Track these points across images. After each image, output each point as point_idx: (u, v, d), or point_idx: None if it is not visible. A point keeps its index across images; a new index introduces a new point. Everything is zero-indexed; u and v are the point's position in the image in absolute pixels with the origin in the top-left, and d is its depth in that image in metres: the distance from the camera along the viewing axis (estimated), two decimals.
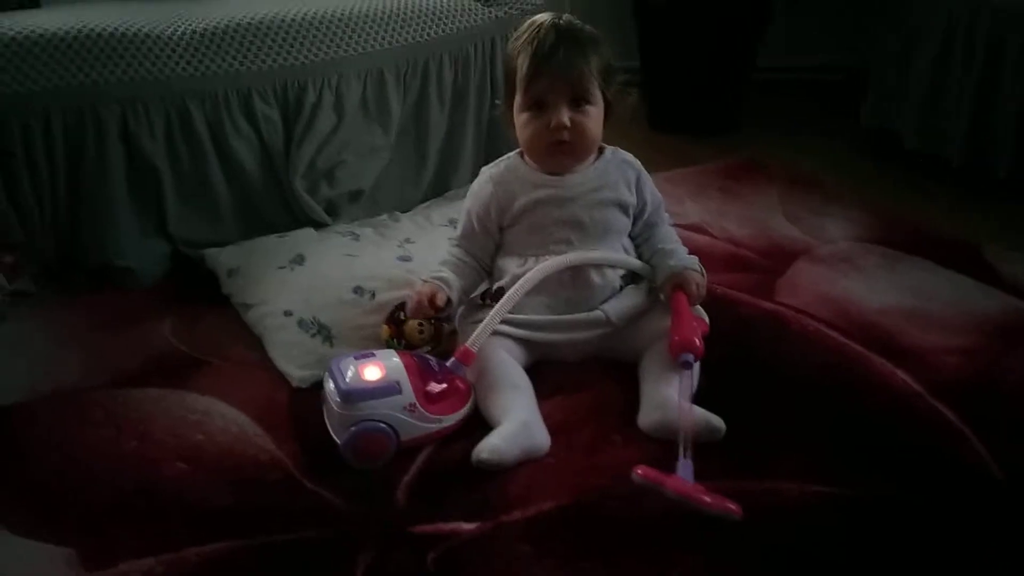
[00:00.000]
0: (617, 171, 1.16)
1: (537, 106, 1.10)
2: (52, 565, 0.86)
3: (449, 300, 1.12)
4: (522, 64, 1.10)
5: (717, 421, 0.98)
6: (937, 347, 1.19)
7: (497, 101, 1.20)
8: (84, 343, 1.24)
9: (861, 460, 0.97)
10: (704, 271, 1.16)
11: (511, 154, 1.19)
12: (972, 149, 1.75)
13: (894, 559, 0.85)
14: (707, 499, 0.86)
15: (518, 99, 1.12)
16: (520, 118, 1.12)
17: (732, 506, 0.86)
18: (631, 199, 1.16)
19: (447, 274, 1.15)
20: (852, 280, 1.38)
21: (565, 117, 1.08)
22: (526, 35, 1.12)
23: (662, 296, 1.14)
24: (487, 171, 1.19)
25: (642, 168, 1.19)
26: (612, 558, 0.84)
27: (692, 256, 1.17)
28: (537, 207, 1.13)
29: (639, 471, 0.89)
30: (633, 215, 1.18)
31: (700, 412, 0.98)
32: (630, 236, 1.19)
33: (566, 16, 1.14)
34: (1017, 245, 1.49)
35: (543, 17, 1.13)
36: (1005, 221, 1.63)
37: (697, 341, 1.03)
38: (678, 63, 2.21)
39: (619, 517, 0.89)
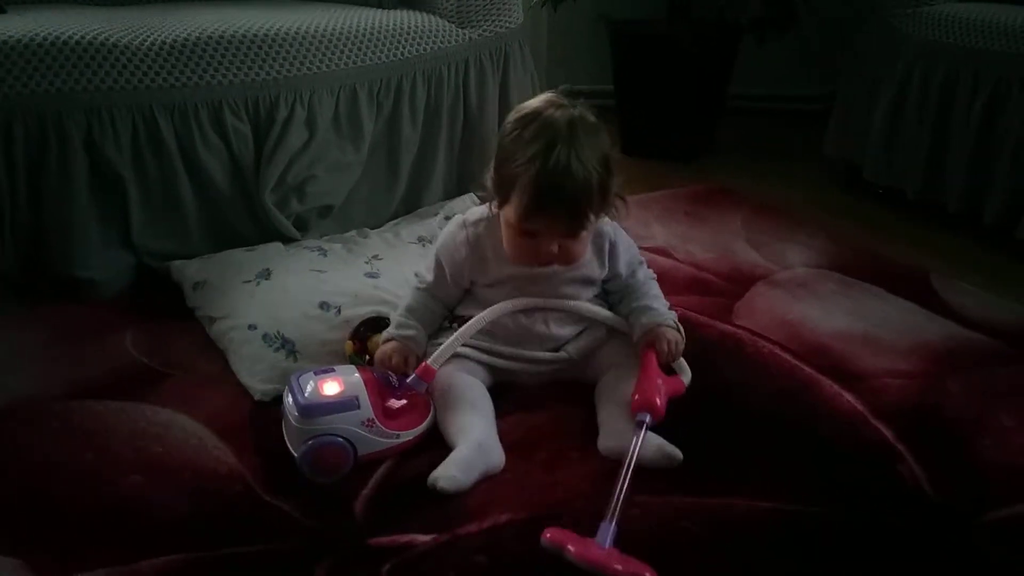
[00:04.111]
0: (592, 246, 1.12)
1: (530, 234, 1.04)
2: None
3: (418, 358, 1.11)
4: (523, 187, 1.00)
5: (673, 450, 0.98)
6: (883, 370, 1.22)
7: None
8: (43, 354, 1.23)
9: (806, 477, 1.00)
10: (681, 328, 1.14)
11: (491, 215, 1.11)
12: (927, 184, 1.81)
13: (831, 571, 0.88)
14: (618, 567, 0.81)
15: (510, 212, 1.04)
16: (509, 230, 1.06)
17: (647, 574, 0.82)
18: (601, 274, 1.14)
19: (415, 331, 1.12)
20: (807, 305, 1.42)
21: (555, 247, 1.04)
22: (536, 145, 0.99)
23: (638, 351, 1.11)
24: (464, 230, 1.12)
25: (618, 233, 1.15)
26: (565, 571, 0.85)
27: (670, 312, 1.15)
28: (508, 281, 1.12)
29: (547, 535, 0.85)
30: (603, 281, 1.16)
31: (657, 442, 0.98)
32: (606, 291, 1.18)
33: (579, 112, 1.03)
34: (962, 275, 1.55)
35: (556, 119, 1.01)
36: (953, 252, 1.69)
37: (658, 401, 1.00)
38: (652, 89, 2.24)
39: (574, 531, 0.89)
